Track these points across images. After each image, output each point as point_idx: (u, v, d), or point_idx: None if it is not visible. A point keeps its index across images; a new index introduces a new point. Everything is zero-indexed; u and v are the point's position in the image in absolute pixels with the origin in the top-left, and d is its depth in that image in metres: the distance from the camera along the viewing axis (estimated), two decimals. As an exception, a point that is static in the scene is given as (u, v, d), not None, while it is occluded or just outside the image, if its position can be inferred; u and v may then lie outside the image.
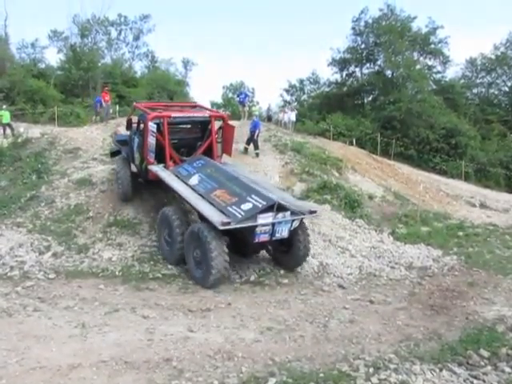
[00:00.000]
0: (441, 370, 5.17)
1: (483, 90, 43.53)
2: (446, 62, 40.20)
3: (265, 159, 16.89)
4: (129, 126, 11.65)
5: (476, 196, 19.96)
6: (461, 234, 13.03)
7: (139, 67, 51.41)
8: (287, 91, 47.32)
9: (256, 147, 17.09)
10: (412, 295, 8.22)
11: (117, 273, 8.75)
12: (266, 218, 8.15)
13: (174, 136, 10.76)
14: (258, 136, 17.19)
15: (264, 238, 8.38)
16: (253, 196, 8.48)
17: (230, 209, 8.28)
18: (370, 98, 41.05)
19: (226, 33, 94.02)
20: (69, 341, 5.73)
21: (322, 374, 5.02)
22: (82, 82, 37.90)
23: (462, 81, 43.23)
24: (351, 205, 13.98)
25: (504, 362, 5.31)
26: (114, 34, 47.99)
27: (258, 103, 46.93)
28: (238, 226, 7.96)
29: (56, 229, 10.58)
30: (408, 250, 11.22)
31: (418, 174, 22.84)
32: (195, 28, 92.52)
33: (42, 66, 41.97)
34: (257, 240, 8.36)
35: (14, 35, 53.48)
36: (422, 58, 40.03)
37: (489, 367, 5.24)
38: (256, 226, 8.11)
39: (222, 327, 6.45)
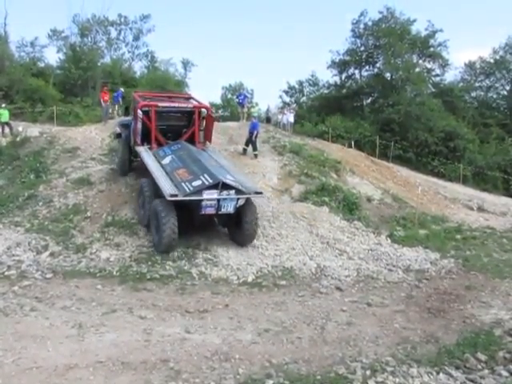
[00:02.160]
0: (438, 373, 5.18)
1: (482, 93, 43.52)
2: (445, 65, 40.17)
3: (263, 160, 16.89)
4: (129, 112, 13.18)
5: (474, 199, 19.95)
6: (458, 237, 13.07)
7: (139, 67, 51.39)
8: (286, 93, 47.18)
9: (254, 148, 17.09)
10: (409, 298, 8.22)
11: (114, 273, 8.73)
12: (210, 194, 9.51)
13: (163, 122, 12.19)
14: (256, 137, 17.19)
15: (210, 211, 9.72)
16: (204, 175, 9.80)
17: (183, 184, 9.71)
18: (369, 101, 40.98)
19: (225, 34, 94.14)
20: (66, 341, 5.72)
21: (319, 377, 5.03)
22: (81, 81, 37.85)
23: (461, 84, 43.22)
24: (349, 207, 14.00)
25: (501, 365, 5.32)
26: (113, 33, 47.91)
27: (257, 104, 46.42)
28: (184, 198, 9.41)
29: (54, 228, 10.57)
30: (406, 253, 11.22)
31: (416, 177, 22.84)
32: (195, 29, 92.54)
33: (42, 64, 41.90)
34: (203, 212, 9.70)
35: (13, 34, 53.14)
36: (421, 61, 40.00)
37: (486, 371, 5.25)
38: (202, 200, 9.46)
39: (220, 328, 6.45)
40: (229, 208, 9.81)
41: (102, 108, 21.72)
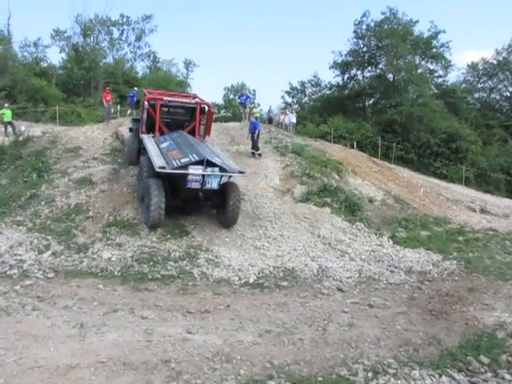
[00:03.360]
0: (440, 375, 5.16)
1: (484, 94, 43.47)
2: (447, 66, 40.15)
3: (265, 161, 16.89)
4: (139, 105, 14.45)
5: (476, 201, 19.95)
6: (461, 238, 13.06)
7: (141, 67, 51.59)
8: (288, 93, 47.25)
9: (257, 148, 17.10)
10: (411, 300, 8.19)
11: (116, 273, 8.71)
12: (196, 169, 10.39)
13: (168, 116, 13.46)
14: (258, 136, 17.20)
15: (195, 185, 10.55)
16: (193, 154, 10.69)
17: (173, 161, 10.61)
18: (371, 102, 41.06)
19: (227, 35, 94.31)
20: (67, 341, 5.71)
21: (320, 378, 5.01)
22: (83, 81, 38.00)
23: (464, 85, 43.19)
24: (351, 208, 14.01)
25: (504, 368, 5.30)
26: (116, 34, 48.20)
27: (258, 105, 46.83)
28: (171, 171, 10.34)
29: (56, 228, 10.56)
30: (408, 255, 11.21)
31: (418, 178, 22.83)
32: (197, 29, 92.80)
33: (44, 64, 42.08)
34: (189, 186, 10.50)
35: (16, 34, 53.54)
36: (423, 62, 40.02)
37: (489, 374, 5.22)
38: (188, 175, 10.35)
39: (221, 329, 6.43)
40: (213, 184, 10.67)
41: (104, 108, 21.77)
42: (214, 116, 15.64)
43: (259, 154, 17.11)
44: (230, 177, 11.26)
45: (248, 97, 27.59)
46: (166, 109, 13.27)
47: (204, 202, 11.56)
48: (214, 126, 16.50)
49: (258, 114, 23.83)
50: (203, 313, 7.04)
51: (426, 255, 11.27)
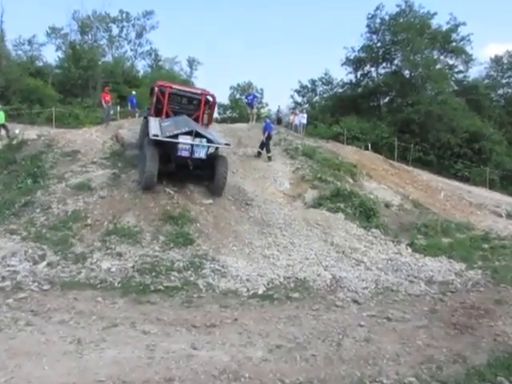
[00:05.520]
0: (467, 396, 5.05)
1: (510, 90, 42.96)
2: (468, 60, 39.86)
3: (274, 164, 16.90)
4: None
5: (502, 205, 19.72)
6: (486, 246, 12.90)
7: (142, 66, 51.99)
8: (298, 92, 47.31)
9: (268, 150, 17.14)
10: (433, 312, 8.08)
11: (116, 284, 8.69)
12: (185, 139, 12.42)
13: (176, 104, 15.35)
14: (269, 138, 17.25)
15: (185, 153, 12.51)
16: (185, 127, 12.67)
17: (167, 132, 12.60)
18: (387, 100, 40.92)
19: (233, 32, 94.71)
20: (63, 358, 5.67)
21: (336, 398, 4.93)
22: (81, 81, 38.27)
23: (487, 81, 42.84)
24: (366, 213, 13.99)
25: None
26: (115, 31, 48.53)
27: (266, 105, 47.01)
28: (162, 138, 12.29)
29: (52, 237, 10.58)
30: (428, 263, 11.11)
31: (438, 181, 22.69)
32: (201, 26, 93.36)
33: (40, 64, 42.51)
34: (179, 154, 12.48)
35: (10, 31, 54.29)
36: (442, 57, 39.78)
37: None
38: (178, 143, 12.34)
39: (228, 345, 6.37)
40: (200, 153, 12.63)
41: (104, 109, 21.83)
42: (220, 117, 17.21)
43: (269, 157, 17.12)
44: (217, 148, 13.18)
45: (255, 96, 27.62)
46: (174, 97, 15.20)
47: (194, 170, 13.26)
48: (219, 127, 17.73)
49: (265, 115, 23.83)
50: (209, 327, 6.99)
51: (448, 264, 11.15)
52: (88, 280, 8.83)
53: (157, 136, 12.28)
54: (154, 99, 14.93)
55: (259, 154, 17.22)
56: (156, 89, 14.89)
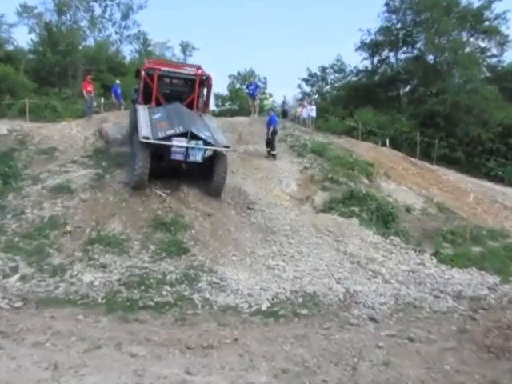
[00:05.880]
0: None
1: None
2: (503, 42, 39.30)
3: (279, 163, 16.93)
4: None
5: (541, 209, 19.68)
6: (524, 256, 12.89)
7: (128, 51, 52.01)
8: (306, 81, 47.37)
9: (273, 147, 17.16)
10: (463, 333, 8.07)
11: (99, 300, 8.72)
12: (179, 141, 12.45)
13: (167, 87, 15.33)
14: (274, 134, 17.27)
15: (179, 157, 12.63)
16: (179, 126, 12.63)
17: (159, 131, 12.62)
18: (408, 89, 40.86)
19: (233, 12, 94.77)
20: (37, 386, 5.66)
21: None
22: (59, 68, 38.29)
23: (525, 66, 42.62)
24: (384, 219, 14.06)
25: None
26: (97, 10, 48.38)
27: (270, 96, 46.86)
28: (154, 141, 12.35)
29: (25, 246, 10.61)
30: (456, 276, 11.13)
31: (467, 182, 22.66)
32: (196, 5, 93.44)
33: (10, 47, 42.36)
34: (172, 157, 12.60)
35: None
36: (472, 39, 39.37)
37: None
38: (171, 146, 12.40)
39: (227, 369, 6.38)
40: (197, 157, 12.72)
41: (85, 101, 21.95)
42: (218, 110, 17.08)
43: (273, 155, 17.15)
44: (216, 151, 13.08)
45: (258, 86, 27.67)
46: (164, 79, 15.16)
47: (189, 170, 13.49)
48: (218, 120, 17.77)
49: (268, 107, 23.83)
50: (206, 348, 7.00)
51: (479, 277, 11.18)
52: (67, 295, 8.86)
53: (148, 138, 12.31)
54: (142, 84, 14.89)
55: (270, 154, 17.23)
56: (143, 72, 14.81)
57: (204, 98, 15.90)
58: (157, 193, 12.87)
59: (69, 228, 11.34)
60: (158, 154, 12.75)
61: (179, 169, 13.44)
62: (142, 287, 9.22)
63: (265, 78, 53.52)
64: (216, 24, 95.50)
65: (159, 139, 12.39)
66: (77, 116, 24.49)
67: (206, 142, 12.74)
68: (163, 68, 15.31)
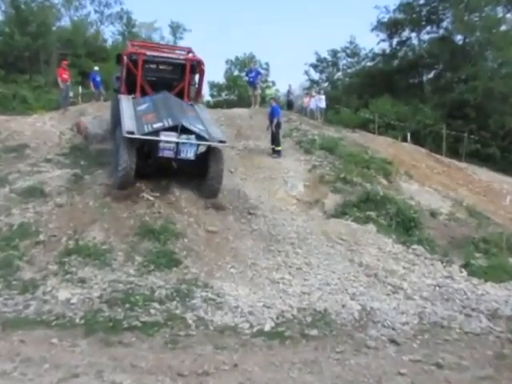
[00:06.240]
0: None
1: None
2: (546, 19, 39.44)
3: (284, 161, 16.95)
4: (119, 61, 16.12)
5: None
6: None
7: (110, 34, 52.15)
8: (315, 67, 47.46)
9: (277, 143, 17.17)
10: (500, 358, 8.05)
11: (77, 321, 8.70)
12: (168, 136, 12.40)
13: (154, 74, 15.34)
14: (278, 127, 17.27)
15: (168, 154, 12.62)
16: (168, 118, 12.60)
17: (145, 125, 12.55)
18: (432, 76, 40.90)
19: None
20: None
21: None
22: (29, 52, 38.22)
23: None
24: (406, 225, 14.08)
25: None
26: (74, -15, 48.52)
27: (273, 84, 46.99)
28: (140, 136, 12.31)
29: (-9, 258, 10.61)
30: (490, 291, 11.10)
31: (502, 182, 22.65)
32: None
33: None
34: (161, 154, 12.62)
35: None
36: (509, 15, 39.33)
37: None
38: (159, 142, 12.39)
39: (226, 399, 6.38)
40: (188, 154, 12.71)
41: (61, 90, 21.95)
42: (214, 100, 17.11)
43: (277, 152, 17.14)
44: (210, 146, 13.10)
45: (259, 73, 27.74)
46: (149, 65, 15.14)
47: (180, 171, 13.55)
48: (214, 113, 18.11)
49: (272, 97, 23.83)
50: (200, 375, 6.99)
51: (517, 292, 11.14)
52: (39, 316, 8.83)
53: (132, 133, 12.26)
54: (125, 71, 14.93)
55: (275, 151, 17.22)
56: (125, 58, 14.77)
57: (196, 86, 15.93)
58: (144, 196, 12.87)
59: (42, 237, 11.33)
60: (145, 151, 12.84)
61: (169, 168, 13.46)
62: (127, 305, 9.20)
63: (267, 64, 53.87)
64: (210, 1, 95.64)
65: (145, 134, 12.40)
66: (51, 108, 24.56)
67: (199, 137, 12.73)
68: (148, 52, 15.16)
